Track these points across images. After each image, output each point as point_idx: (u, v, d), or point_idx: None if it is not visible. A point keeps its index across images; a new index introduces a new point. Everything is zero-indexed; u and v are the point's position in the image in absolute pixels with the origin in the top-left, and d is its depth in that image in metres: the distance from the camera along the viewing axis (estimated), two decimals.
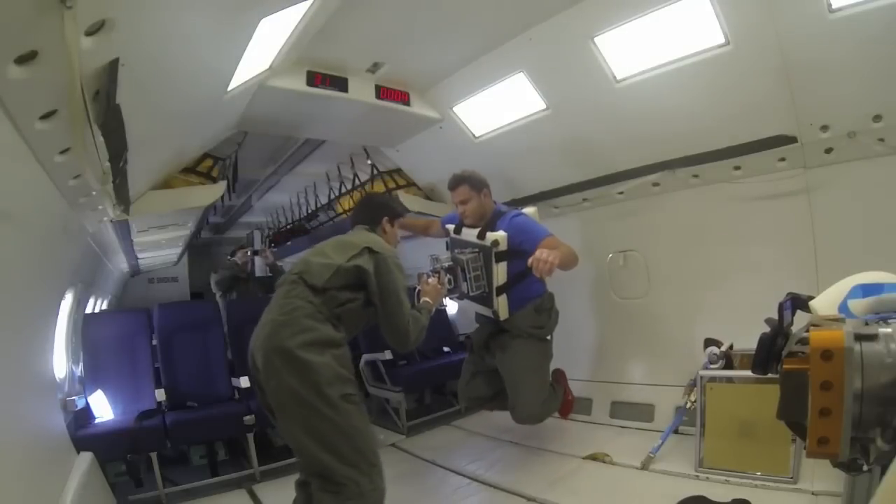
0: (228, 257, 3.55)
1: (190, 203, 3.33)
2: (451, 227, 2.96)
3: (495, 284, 2.69)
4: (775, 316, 1.16)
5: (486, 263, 2.68)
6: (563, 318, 2.97)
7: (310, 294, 1.88)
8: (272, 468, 3.20)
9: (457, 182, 2.79)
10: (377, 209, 2.37)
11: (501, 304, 2.73)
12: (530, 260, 2.27)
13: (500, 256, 2.66)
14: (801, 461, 2.25)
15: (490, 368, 2.94)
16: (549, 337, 2.88)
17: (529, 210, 3.01)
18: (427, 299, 2.30)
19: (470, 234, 2.79)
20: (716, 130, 2.68)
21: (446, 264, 2.68)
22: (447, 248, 2.99)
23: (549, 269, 2.23)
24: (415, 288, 2.46)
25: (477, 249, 2.71)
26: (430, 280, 2.45)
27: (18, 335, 2.09)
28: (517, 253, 2.62)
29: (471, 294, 2.72)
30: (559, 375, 3.16)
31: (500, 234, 2.65)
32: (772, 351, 1.10)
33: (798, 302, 1.20)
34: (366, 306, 2.01)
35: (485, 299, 2.76)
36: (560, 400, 3.03)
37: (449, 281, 2.62)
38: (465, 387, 3.08)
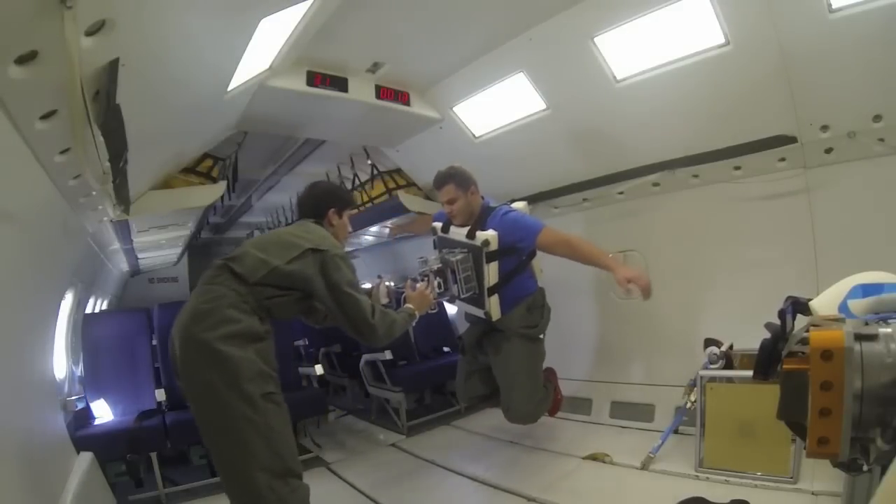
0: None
1: (190, 203, 3.33)
2: (438, 225, 2.86)
3: (486, 285, 2.62)
4: (776, 319, 1.16)
5: (477, 264, 2.60)
6: (563, 318, 2.97)
7: (236, 283, 1.76)
8: None
9: (442, 180, 2.67)
10: (323, 199, 2.17)
11: (493, 304, 2.67)
12: (621, 290, 2.25)
13: (491, 256, 2.58)
14: (801, 461, 2.25)
15: (484, 367, 2.93)
16: (541, 336, 2.84)
17: (519, 205, 2.91)
18: (410, 306, 2.20)
19: (458, 234, 2.70)
20: (716, 130, 2.68)
21: (435, 267, 2.59)
22: (434, 247, 2.92)
23: (646, 285, 2.20)
24: (401, 293, 2.38)
25: (466, 250, 2.62)
26: (417, 285, 2.33)
27: (18, 335, 2.09)
28: (509, 251, 2.58)
29: (462, 296, 2.65)
30: (550, 374, 3.14)
31: (491, 234, 2.56)
32: (773, 356, 1.10)
33: (798, 305, 1.20)
34: (302, 300, 1.90)
35: (476, 300, 2.69)
36: (551, 398, 3.01)
37: (439, 284, 2.55)
38: (463, 386, 3.06)
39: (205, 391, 1.66)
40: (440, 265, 2.61)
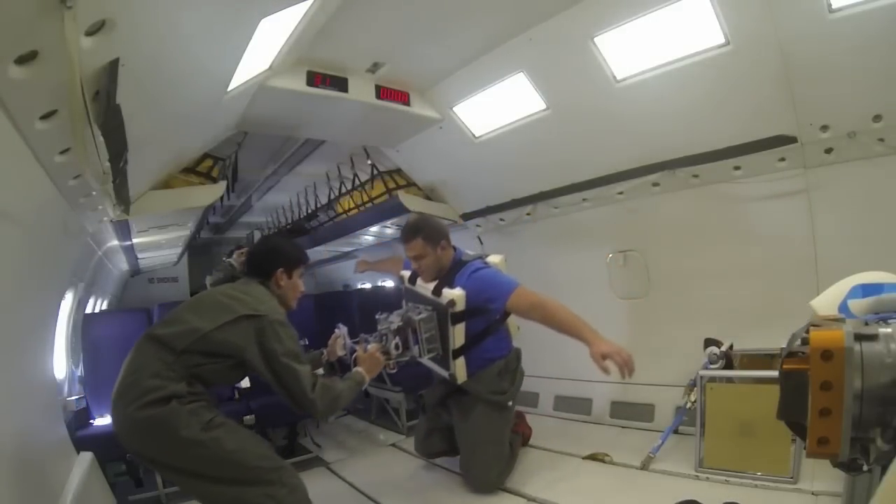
0: (224, 258, 3.52)
1: (190, 203, 3.33)
2: (406, 274, 2.67)
3: (451, 347, 2.41)
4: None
5: (441, 324, 2.39)
6: None
7: (162, 351, 1.70)
8: None
9: (409, 234, 2.45)
10: (270, 258, 2.03)
11: (459, 366, 2.46)
12: (598, 366, 1.99)
13: (458, 317, 2.38)
14: (801, 461, 2.25)
15: (447, 425, 2.75)
16: (510, 403, 2.65)
17: (495, 259, 2.69)
18: (360, 370, 2.07)
19: (425, 288, 2.50)
20: (716, 130, 2.68)
21: (395, 325, 2.38)
22: (403, 298, 2.74)
23: (625, 362, 1.96)
24: (353, 352, 2.23)
25: (431, 308, 2.41)
26: (369, 347, 2.18)
27: (18, 335, 2.09)
28: (478, 311, 2.38)
29: (423, 357, 2.45)
30: (517, 425, 2.96)
31: (458, 293, 2.34)
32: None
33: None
34: (236, 367, 1.80)
35: (440, 361, 2.50)
36: (516, 457, 2.82)
37: (396, 346, 2.35)
38: (423, 443, 2.90)
39: (158, 455, 1.68)
40: (401, 324, 2.39)
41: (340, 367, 2.40)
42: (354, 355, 2.18)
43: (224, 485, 1.66)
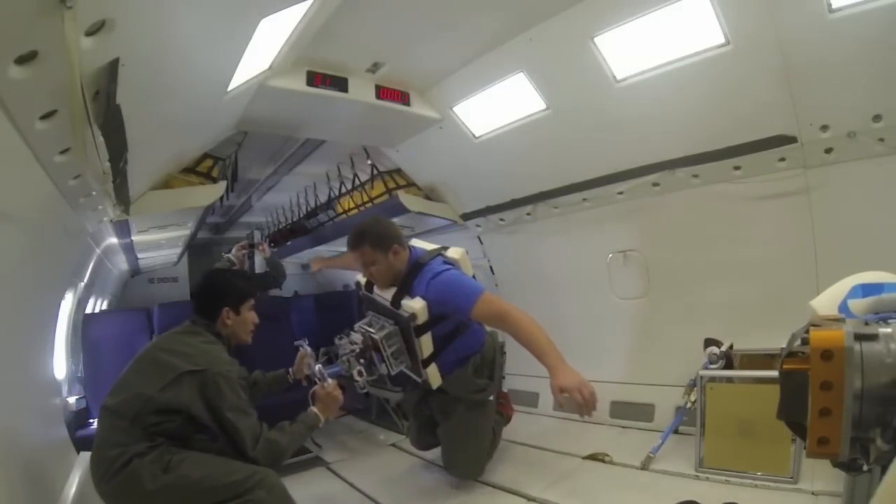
0: (223, 254, 3.51)
1: (190, 203, 3.33)
2: (362, 280, 2.47)
3: (421, 357, 2.26)
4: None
5: (406, 337, 2.21)
6: (563, 318, 2.95)
7: (117, 421, 1.70)
8: None
9: (355, 242, 2.24)
10: (213, 298, 1.95)
11: (432, 373, 2.33)
12: (555, 398, 1.81)
13: (422, 329, 2.20)
14: (801, 461, 2.25)
15: (431, 419, 2.69)
16: (491, 398, 2.53)
17: (455, 255, 2.42)
18: (316, 411, 1.98)
19: (382, 297, 2.32)
20: (716, 130, 2.68)
21: (356, 349, 2.23)
22: (359, 307, 2.56)
23: (585, 402, 1.75)
24: (320, 373, 2.10)
25: (392, 322, 2.23)
26: (326, 383, 2.02)
27: (18, 335, 2.09)
28: (443, 317, 2.21)
29: (393, 372, 2.29)
30: (501, 406, 2.87)
31: (419, 306, 2.14)
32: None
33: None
34: (191, 420, 1.76)
35: (411, 369, 2.36)
36: (499, 439, 2.79)
37: (360, 372, 2.22)
38: (417, 439, 2.86)
39: None
40: (361, 346, 2.23)
41: (309, 382, 2.28)
42: (312, 391, 2.05)
43: None
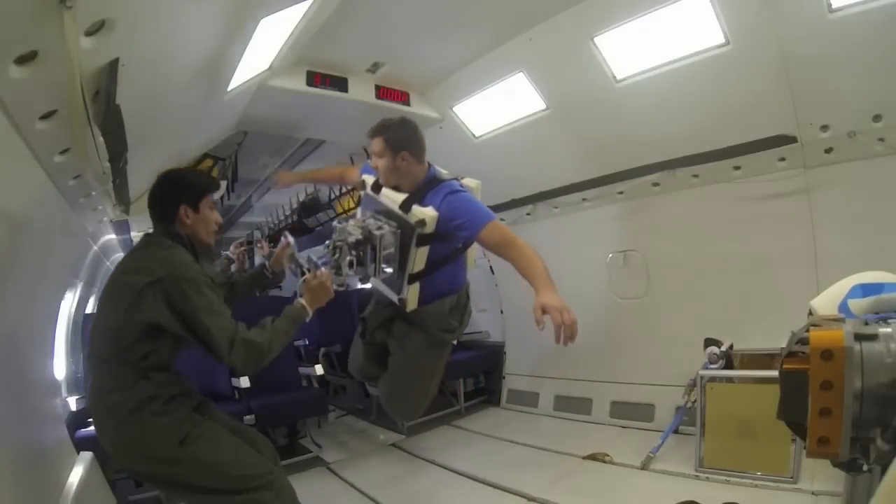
0: (221, 252, 3.48)
1: None
2: (368, 179, 2.37)
3: (409, 270, 2.18)
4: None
5: (404, 244, 2.15)
6: None
7: (103, 366, 1.61)
8: None
9: (373, 131, 2.19)
10: (168, 196, 1.74)
11: (412, 293, 2.24)
12: (535, 316, 1.75)
13: (423, 239, 2.13)
14: (801, 461, 2.25)
15: (382, 348, 2.55)
16: (455, 342, 2.48)
17: (471, 184, 2.43)
18: (304, 302, 1.82)
19: (391, 200, 2.23)
20: (716, 130, 2.68)
21: (353, 238, 2.10)
22: (359, 205, 2.48)
23: (565, 325, 1.68)
24: (300, 269, 1.97)
25: (395, 224, 2.16)
26: (321, 271, 1.90)
27: (18, 335, 2.09)
28: (444, 237, 2.16)
29: (375, 276, 2.20)
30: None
31: (430, 213, 2.09)
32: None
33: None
34: (178, 340, 1.65)
35: (392, 282, 2.27)
36: (437, 391, 2.69)
37: (350, 263, 2.07)
38: (362, 365, 2.68)
39: (142, 474, 1.67)
40: (360, 237, 2.11)
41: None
42: (303, 279, 1.91)
43: (208, 494, 1.63)
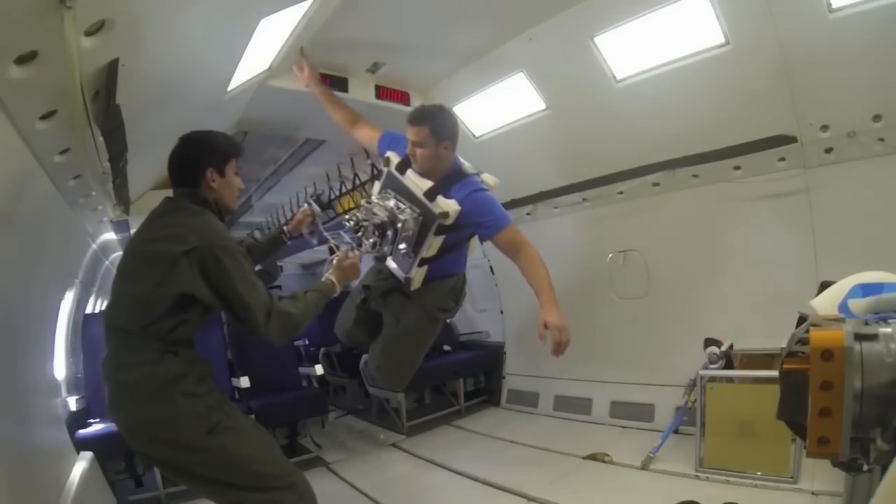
0: None
1: None
2: (392, 157, 2.38)
3: (422, 254, 2.24)
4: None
5: (423, 231, 2.20)
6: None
7: (129, 339, 1.52)
8: None
9: (417, 119, 2.18)
10: (194, 159, 1.66)
11: (419, 274, 2.31)
12: (539, 331, 1.94)
13: (441, 230, 2.20)
14: (801, 461, 2.25)
15: (374, 315, 2.59)
16: (448, 321, 2.58)
17: (490, 182, 2.44)
18: (332, 278, 1.80)
19: (415, 185, 2.25)
20: (716, 130, 2.68)
21: (378, 220, 2.17)
22: (377, 179, 2.51)
23: (560, 346, 1.94)
24: (331, 251, 1.98)
25: (418, 212, 2.20)
26: (353, 252, 1.93)
27: (18, 336, 2.09)
28: (460, 228, 2.22)
29: (390, 256, 2.29)
30: None
31: (453, 207, 2.13)
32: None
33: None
34: (207, 311, 1.61)
35: (402, 261, 2.32)
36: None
37: (374, 244, 2.16)
38: (346, 330, 2.71)
39: (166, 463, 1.59)
40: (385, 219, 2.18)
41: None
42: (333, 257, 1.92)
43: (228, 489, 1.57)
